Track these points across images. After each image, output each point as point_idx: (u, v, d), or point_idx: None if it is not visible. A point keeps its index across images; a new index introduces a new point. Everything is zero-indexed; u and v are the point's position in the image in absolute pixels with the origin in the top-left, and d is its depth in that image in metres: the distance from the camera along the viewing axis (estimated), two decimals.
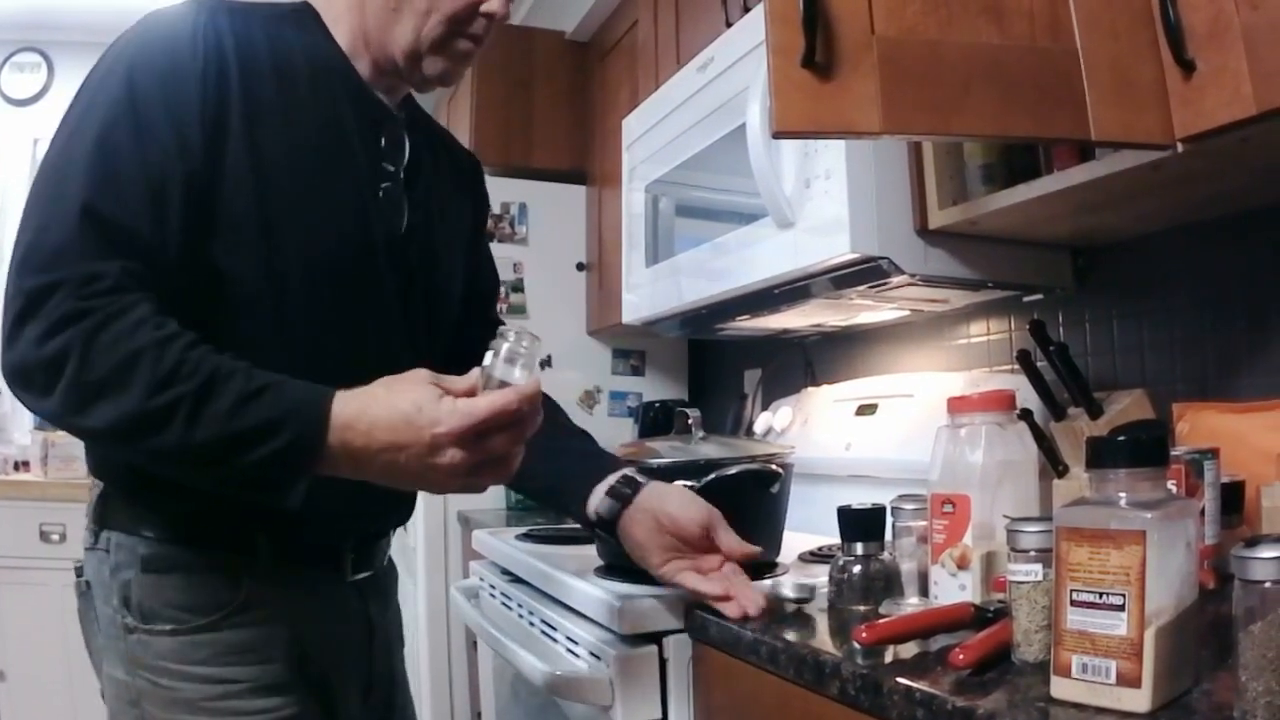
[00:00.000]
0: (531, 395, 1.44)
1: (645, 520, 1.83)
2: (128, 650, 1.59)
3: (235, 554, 1.63)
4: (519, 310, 4.43)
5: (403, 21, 1.74)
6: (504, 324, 1.76)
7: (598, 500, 1.88)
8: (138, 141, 1.48)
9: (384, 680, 1.94)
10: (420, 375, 1.46)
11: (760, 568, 2.15)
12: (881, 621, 1.45)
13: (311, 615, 1.72)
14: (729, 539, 1.82)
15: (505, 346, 1.47)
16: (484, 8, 1.75)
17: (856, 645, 1.44)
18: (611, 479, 1.89)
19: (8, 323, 1.40)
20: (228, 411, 1.37)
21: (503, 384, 1.45)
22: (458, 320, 2.03)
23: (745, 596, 1.74)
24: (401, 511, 1.95)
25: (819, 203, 2.32)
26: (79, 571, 1.72)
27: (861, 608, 1.70)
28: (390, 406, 1.41)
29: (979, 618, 1.47)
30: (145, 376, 1.36)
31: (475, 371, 1.47)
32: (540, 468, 1.74)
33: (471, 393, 1.44)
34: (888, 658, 1.42)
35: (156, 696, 1.58)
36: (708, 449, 2.14)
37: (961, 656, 1.27)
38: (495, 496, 4.40)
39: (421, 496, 1.91)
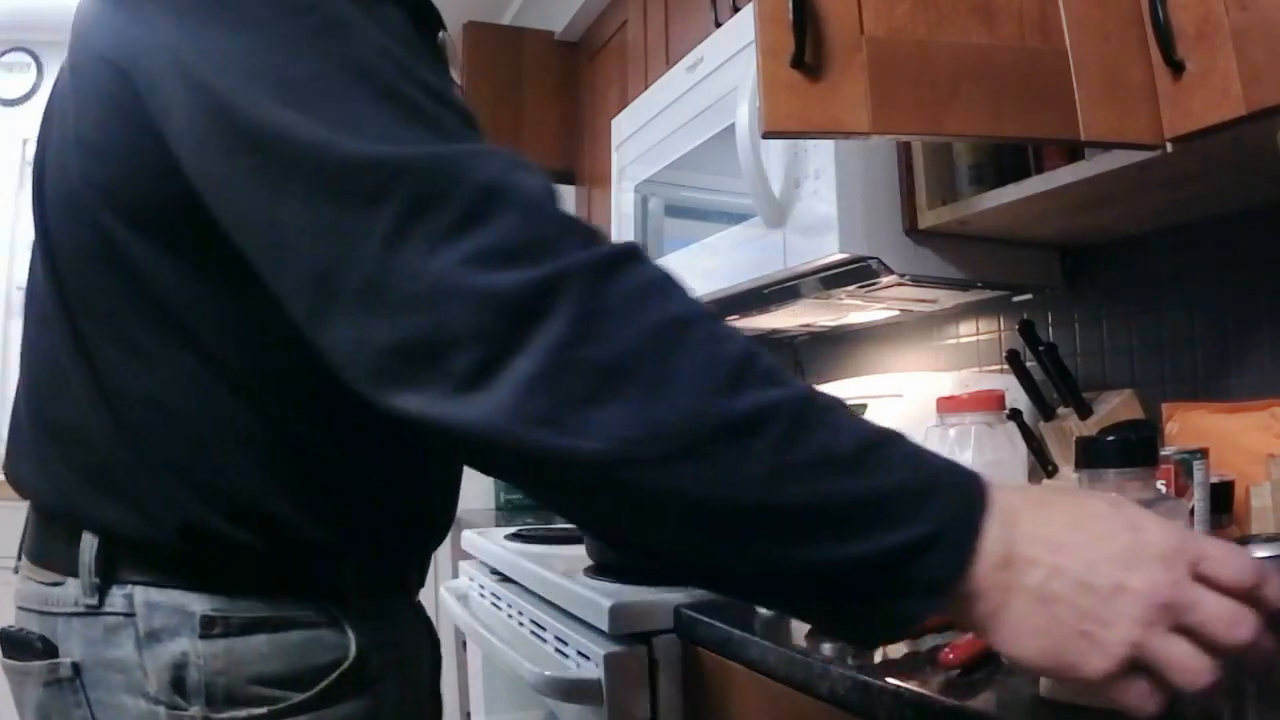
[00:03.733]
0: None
1: None
2: None
3: (321, 600, 1.21)
4: None
5: None
6: None
7: None
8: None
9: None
10: None
11: None
12: None
13: (402, 657, 1.32)
14: None
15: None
16: None
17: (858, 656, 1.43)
18: None
19: (393, 222, 0.88)
20: (851, 455, 0.87)
21: None
22: None
23: None
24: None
25: (808, 203, 2.32)
26: (44, 650, 1.18)
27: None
28: (1111, 509, 0.89)
29: None
30: (706, 364, 0.85)
31: None
32: None
33: None
34: (877, 658, 1.42)
35: None
36: None
37: (951, 656, 1.27)
38: (485, 496, 4.39)
39: None
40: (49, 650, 1.16)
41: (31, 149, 1.31)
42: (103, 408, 1.14)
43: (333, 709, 1.17)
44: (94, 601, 1.14)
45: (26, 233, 5.61)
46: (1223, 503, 1.79)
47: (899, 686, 1.26)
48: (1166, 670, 0.80)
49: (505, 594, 2.56)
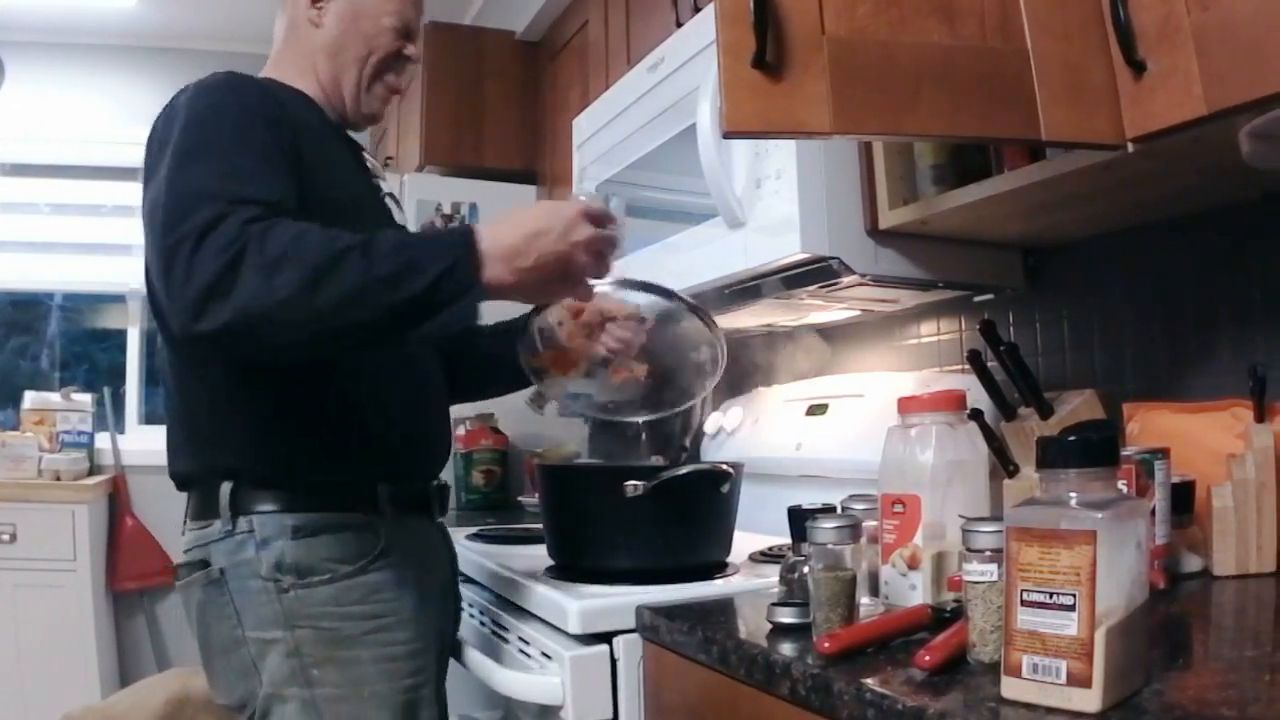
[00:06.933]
0: (614, 213, 1.90)
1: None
2: (284, 609, 1.88)
3: (366, 512, 1.97)
4: None
5: (348, 69, 2.18)
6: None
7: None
8: (248, 139, 1.84)
9: (460, 604, 2.35)
10: None
11: (711, 568, 2.15)
12: (843, 631, 1.44)
13: (420, 555, 2.09)
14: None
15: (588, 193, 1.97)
16: (405, 52, 2.23)
17: (820, 656, 1.43)
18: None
19: (181, 263, 1.63)
20: (393, 250, 1.67)
21: None
22: None
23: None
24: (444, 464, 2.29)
25: (769, 203, 2.32)
26: (202, 564, 1.94)
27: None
28: (525, 210, 1.78)
29: (937, 619, 1.47)
30: (317, 242, 1.64)
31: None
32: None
33: None
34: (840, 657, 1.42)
35: (318, 639, 1.87)
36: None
37: (927, 658, 1.26)
38: None
39: None
40: (205, 564, 1.92)
41: None
42: (221, 404, 1.94)
43: (367, 575, 1.92)
44: (230, 528, 1.90)
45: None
46: (1184, 503, 1.80)
47: (861, 686, 1.25)
48: (596, 271, 1.84)
49: (467, 594, 2.56)
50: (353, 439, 1.98)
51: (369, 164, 2.32)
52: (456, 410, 2.48)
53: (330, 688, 1.86)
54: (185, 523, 2.01)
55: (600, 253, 1.82)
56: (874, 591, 1.69)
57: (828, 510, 1.77)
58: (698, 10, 2.83)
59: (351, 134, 2.31)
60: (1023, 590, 1.12)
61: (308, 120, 2.05)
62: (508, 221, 1.75)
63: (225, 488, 1.92)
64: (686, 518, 2.11)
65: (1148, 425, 2.01)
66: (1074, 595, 1.08)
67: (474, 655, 2.16)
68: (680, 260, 2.74)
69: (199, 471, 1.98)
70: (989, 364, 2.09)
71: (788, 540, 1.82)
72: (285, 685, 1.86)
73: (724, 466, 2.14)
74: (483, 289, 1.71)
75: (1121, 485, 1.43)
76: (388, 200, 2.30)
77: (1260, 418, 1.82)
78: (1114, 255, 2.35)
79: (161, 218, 1.69)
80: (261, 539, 1.88)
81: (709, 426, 3.49)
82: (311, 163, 1.94)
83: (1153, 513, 1.69)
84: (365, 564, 1.92)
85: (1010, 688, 1.13)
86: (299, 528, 1.89)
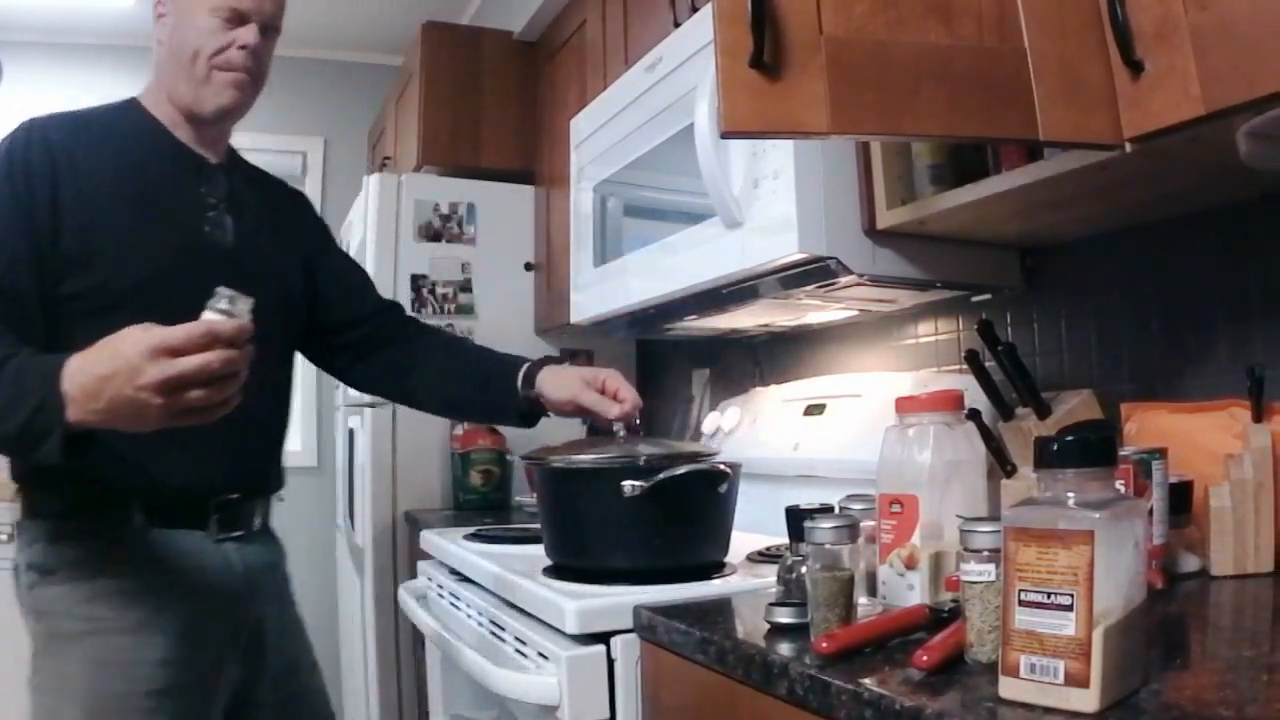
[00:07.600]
0: (220, 329, 1.60)
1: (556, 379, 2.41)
2: (34, 601, 2.05)
3: (114, 523, 2.05)
4: (467, 310, 4.42)
5: (181, 72, 2.18)
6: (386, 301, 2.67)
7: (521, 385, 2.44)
8: None
9: (262, 626, 2.25)
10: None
11: (709, 568, 2.15)
12: (841, 631, 1.44)
13: (179, 566, 2.11)
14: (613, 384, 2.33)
15: (221, 304, 1.64)
16: (238, 43, 2.16)
17: (818, 656, 1.42)
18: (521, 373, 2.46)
19: None
20: (11, 380, 1.74)
21: None
22: (328, 318, 2.54)
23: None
24: (254, 481, 2.30)
25: (767, 203, 2.32)
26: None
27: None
28: (103, 345, 1.64)
29: (935, 619, 1.47)
30: None
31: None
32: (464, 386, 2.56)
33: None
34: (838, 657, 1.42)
35: (48, 633, 2.02)
36: (640, 448, 2.16)
37: (925, 658, 1.26)
38: (444, 496, 4.37)
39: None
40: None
41: None
42: None
43: (96, 581, 2.01)
44: (21, 529, 2.11)
45: None
46: (1182, 503, 1.80)
47: (858, 686, 1.25)
48: (195, 404, 1.60)
49: (464, 594, 2.56)
50: (98, 455, 1.82)
51: (224, 176, 2.30)
52: None
53: (40, 679, 2.02)
54: None
55: (181, 385, 1.59)
56: (872, 591, 1.69)
57: (825, 510, 1.76)
58: (695, 10, 2.82)
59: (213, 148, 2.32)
60: (1020, 590, 1.12)
61: (113, 148, 2.17)
62: (92, 357, 1.65)
63: (19, 493, 2.13)
64: (684, 518, 2.11)
65: (1145, 425, 2.01)
66: (1072, 595, 1.08)
67: (470, 655, 2.16)
68: (678, 260, 2.73)
69: (15, 480, 2.15)
70: (987, 364, 2.09)
71: (785, 540, 1.82)
72: (32, 673, 2.04)
73: (721, 466, 2.13)
74: (68, 428, 1.66)
75: (1119, 485, 1.43)
76: (213, 219, 2.23)
77: (1258, 418, 1.82)
78: (1112, 255, 2.35)
79: None
80: (27, 540, 2.09)
81: (707, 426, 3.49)
82: (75, 205, 2.03)
83: (1150, 513, 1.69)
84: (99, 567, 2.03)
85: (1008, 688, 1.13)
86: (50, 532, 2.06)
